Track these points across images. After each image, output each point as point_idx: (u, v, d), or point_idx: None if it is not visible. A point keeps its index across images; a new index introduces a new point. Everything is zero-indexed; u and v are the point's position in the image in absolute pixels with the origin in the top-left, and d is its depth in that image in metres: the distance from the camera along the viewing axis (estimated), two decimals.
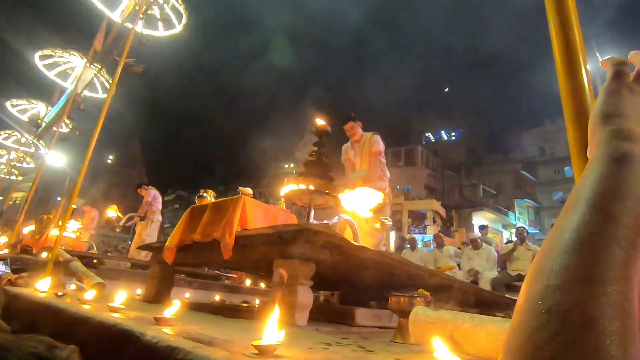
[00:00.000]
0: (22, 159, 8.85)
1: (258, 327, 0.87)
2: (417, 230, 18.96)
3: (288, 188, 2.30)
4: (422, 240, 15.45)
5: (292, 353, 0.87)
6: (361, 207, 2.61)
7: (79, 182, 3.36)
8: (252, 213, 2.16)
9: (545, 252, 0.27)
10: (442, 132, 35.78)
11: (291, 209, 3.03)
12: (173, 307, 1.23)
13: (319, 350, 1.00)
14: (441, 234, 7.06)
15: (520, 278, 5.13)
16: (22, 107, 8.18)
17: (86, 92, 6.42)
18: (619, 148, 0.32)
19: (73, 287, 2.81)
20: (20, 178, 9.18)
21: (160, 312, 1.19)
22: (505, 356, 0.23)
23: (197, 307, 2.30)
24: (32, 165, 9.39)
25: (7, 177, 9.17)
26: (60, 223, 3.83)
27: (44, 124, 7.64)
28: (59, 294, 1.80)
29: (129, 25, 4.79)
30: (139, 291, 3.15)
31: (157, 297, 2.53)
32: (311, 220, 2.24)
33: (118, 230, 6.99)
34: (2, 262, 3.45)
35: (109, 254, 9.15)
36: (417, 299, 1.38)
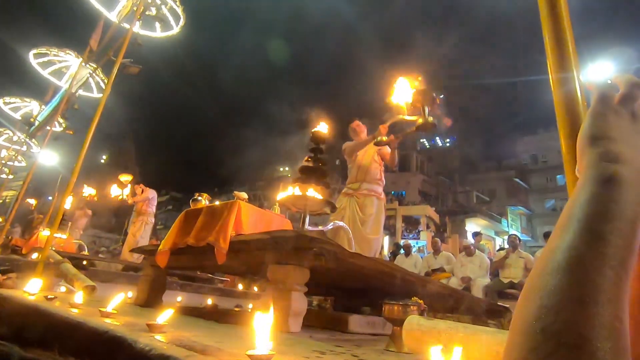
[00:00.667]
0: (13, 157, 8.73)
1: (251, 334, 0.86)
2: (410, 236, 18.97)
3: (283, 194, 2.30)
4: (415, 246, 15.47)
5: None
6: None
7: (72, 182, 3.33)
8: (247, 218, 2.16)
9: (539, 271, 0.28)
10: (437, 138, 36.00)
11: (286, 214, 3.02)
12: (166, 314, 1.21)
13: (314, 358, 1.00)
14: (438, 239, 6.87)
15: (513, 285, 5.16)
16: (14, 105, 8.08)
17: (81, 92, 6.36)
18: (607, 170, 0.32)
19: (63, 289, 2.77)
20: (11, 176, 9.05)
21: (152, 318, 1.18)
22: None
23: (189, 312, 2.27)
24: (23, 164, 9.28)
25: None
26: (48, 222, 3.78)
27: (37, 123, 7.56)
28: (49, 296, 1.77)
29: (126, 25, 4.77)
30: (131, 294, 3.11)
31: (150, 300, 2.51)
32: (306, 226, 2.23)
33: (130, 202, 6.88)
34: None
35: (100, 255, 9.04)
36: (411, 307, 1.38)
